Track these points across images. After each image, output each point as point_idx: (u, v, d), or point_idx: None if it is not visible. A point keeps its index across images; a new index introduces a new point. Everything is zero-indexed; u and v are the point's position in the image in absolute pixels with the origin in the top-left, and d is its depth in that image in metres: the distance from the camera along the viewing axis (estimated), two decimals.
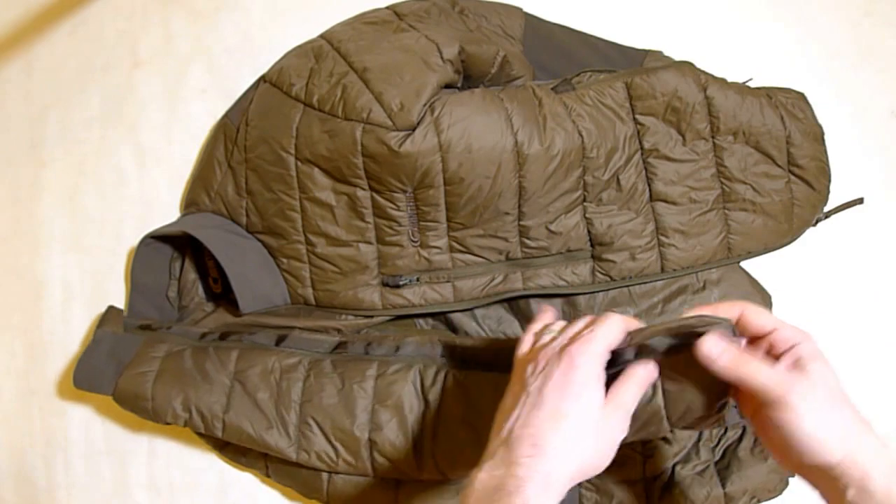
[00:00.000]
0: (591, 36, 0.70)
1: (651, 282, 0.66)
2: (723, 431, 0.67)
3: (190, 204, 0.72)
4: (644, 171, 0.65)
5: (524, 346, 0.51)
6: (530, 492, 0.40)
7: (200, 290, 0.72)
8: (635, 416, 0.46)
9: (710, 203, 0.65)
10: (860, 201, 0.68)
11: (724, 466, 0.66)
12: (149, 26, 0.77)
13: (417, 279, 0.66)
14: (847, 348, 0.69)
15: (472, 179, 0.61)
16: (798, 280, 0.70)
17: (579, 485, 0.65)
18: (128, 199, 0.76)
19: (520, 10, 0.70)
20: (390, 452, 0.61)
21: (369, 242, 0.66)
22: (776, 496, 0.64)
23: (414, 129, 0.60)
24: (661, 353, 0.46)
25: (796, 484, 0.64)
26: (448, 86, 0.63)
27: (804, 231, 0.68)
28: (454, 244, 0.66)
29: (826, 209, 0.69)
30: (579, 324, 0.48)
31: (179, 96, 0.76)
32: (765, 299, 0.67)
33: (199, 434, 0.71)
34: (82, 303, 0.76)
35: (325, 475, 0.67)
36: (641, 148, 0.64)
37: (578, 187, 0.64)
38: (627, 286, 0.66)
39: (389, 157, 0.60)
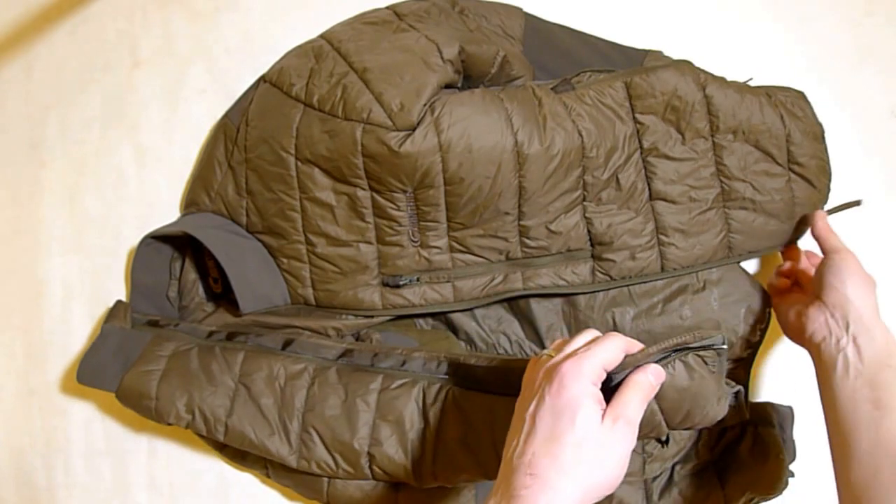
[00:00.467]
0: (591, 36, 0.70)
1: (651, 281, 0.66)
2: (723, 431, 0.67)
3: (190, 204, 0.72)
4: (643, 171, 0.65)
5: (529, 366, 0.49)
6: None
7: (201, 291, 0.72)
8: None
9: (710, 202, 0.65)
10: (858, 203, 0.68)
11: (724, 467, 0.66)
12: (149, 26, 0.77)
13: (417, 279, 0.66)
14: None
15: (472, 179, 0.61)
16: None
17: None
18: (128, 199, 0.76)
19: (520, 10, 0.70)
20: (389, 467, 0.61)
21: (369, 242, 0.66)
22: (776, 496, 0.64)
23: (414, 130, 0.59)
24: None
25: (796, 484, 0.64)
26: (448, 86, 0.63)
27: (805, 231, 0.68)
28: (454, 244, 0.66)
29: (825, 209, 0.69)
30: (578, 340, 0.47)
31: (179, 96, 0.76)
32: (765, 300, 0.67)
33: (200, 436, 0.71)
34: (82, 303, 0.76)
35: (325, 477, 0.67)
36: (641, 147, 0.64)
37: (578, 187, 0.64)
38: (627, 286, 0.66)
39: (389, 158, 0.60)
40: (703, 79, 0.64)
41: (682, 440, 0.66)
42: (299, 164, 0.64)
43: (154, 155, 0.76)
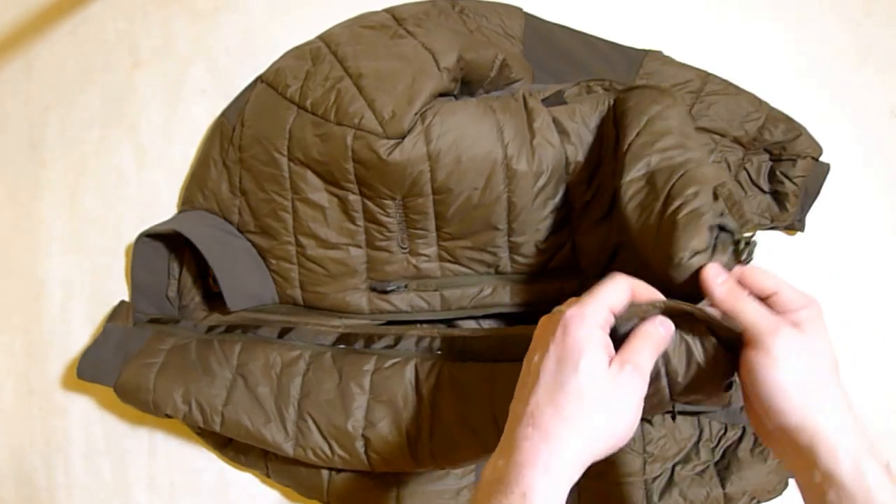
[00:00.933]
0: (591, 36, 0.70)
1: None
2: (723, 431, 0.67)
3: (185, 202, 0.72)
4: None
5: (540, 324, 0.45)
6: (530, 480, 0.36)
7: (200, 290, 0.72)
8: None
9: None
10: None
11: (724, 467, 0.66)
12: (149, 26, 0.77)
13: (406, 286, 0.66)
14: (846, 348, 0.69)
15: (460, 190, 0.61)
16: (795, 281, 0.70)
17: (577, 484, 0.65)
18: (128, 199, 0.76)
19: (520, 9, 0.70)
20: (384, 449, 0.61)
21: (359, 246, 0.66)
22: (776, 497, 0.64)
23: (404, 138, 0.59)
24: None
25: (796, 485, 0.64)
26: (444, 94, 0.63)
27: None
28: (443, 253, 0.66)
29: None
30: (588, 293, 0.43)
31: (179, 96, 0.76)
32: None
33: (199, 433, 0.72)
34: (82, 303, 0.76)
35: (325, 475, 0.67)
36: None
37: (564, 204, 0.63)
38: None
39: (378, 165, 0.60)
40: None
41: (682, 440, 0.66)
42: (292, 165, 0.64)
43: (154, 155, 0.76)
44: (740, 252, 0.43)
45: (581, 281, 0.65)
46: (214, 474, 0.73)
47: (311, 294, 0.68)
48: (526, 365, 0.42)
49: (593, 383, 0.38)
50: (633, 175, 0.53)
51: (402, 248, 0.65)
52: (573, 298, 0.44)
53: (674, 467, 0.66)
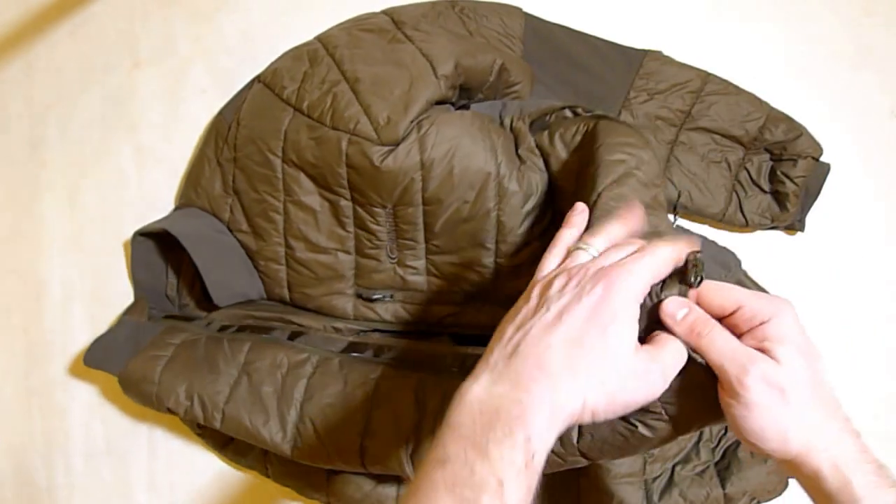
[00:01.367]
0: (591, 36, 0.70)
1: None
2: (723, 432, 0.67)
3: (181, 199, 0.72)
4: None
5: (550, 264, 0.43)
6: (536, 427, 0.34)
7: (199, 289, 0.72)
8: None
9: None
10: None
11: (724, 467, 0.66)
12: (149, 26, 0.77)
13: (391, 296, 0.67)
14: (846, 348, 0.69)
15: (450, 201, 0.61)
16: (795, 281, 0.70)
17: (577, 483, 0.65)
18: (128, 199, 0.76)
19: (520, 10, 0.70)
20: (382, 459, 0.61)
21: (348, 252, 0.66)
22: (776, 497, 0.64)
23: (398, 145, 0.59)
24: None
25: (796, 485, 0.64)
26: (441, 101, 0.63)
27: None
28: (431, 267, 0.66)
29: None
30: (625, 249, 0.40)
31: (179, 96, 0.76)
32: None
33: (199, 433, 0.72)
34: (82, 303, 0.76)
35: (325, 475, 0.67)
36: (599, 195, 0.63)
37: (551, 228, 0.63)
38: None
39: (371, 172, 0.60)
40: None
41: (682, 440, 0.66)
42: (286, 167, 0.64)
43: (154, 155, 0.76)
44: (688, 275, 0.39)
45: None
46: (214, 475, 0.73)
47: (299, 294, 0.68)
48: (539, 299, 0.39)
49: (618, 360, 0.36)
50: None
51: (391, 257, 0.65)
52: (599, 240, 0.42)
53: (674, 467, 0.66)
